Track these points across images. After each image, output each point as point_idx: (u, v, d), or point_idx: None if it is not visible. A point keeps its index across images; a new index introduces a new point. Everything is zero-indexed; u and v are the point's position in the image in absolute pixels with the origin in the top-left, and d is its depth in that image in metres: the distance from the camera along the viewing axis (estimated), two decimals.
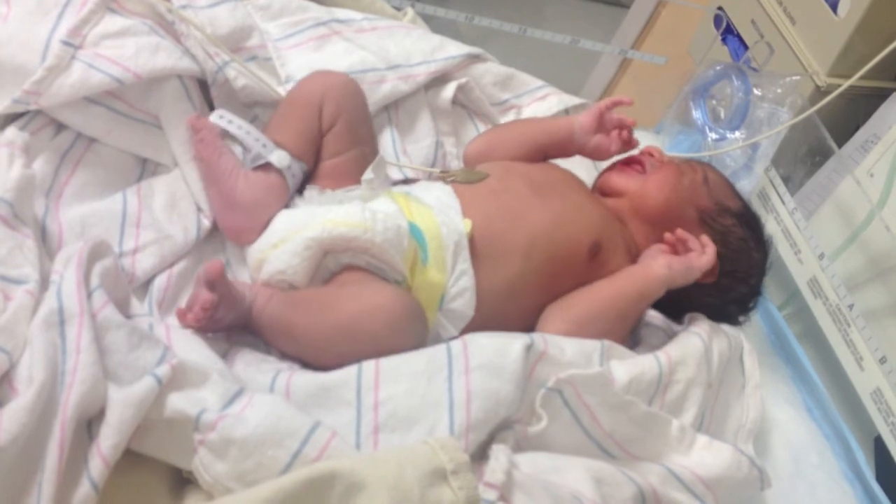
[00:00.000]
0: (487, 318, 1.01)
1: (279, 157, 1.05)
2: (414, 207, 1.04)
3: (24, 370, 0.73)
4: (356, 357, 0.87)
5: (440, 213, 1.04)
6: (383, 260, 0.97)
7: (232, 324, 0.94)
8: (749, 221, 1.18)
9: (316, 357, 0.92)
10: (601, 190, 1.21)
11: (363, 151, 1.11)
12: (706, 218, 1.15)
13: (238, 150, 1.07)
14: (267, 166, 1.05)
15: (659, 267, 1.08)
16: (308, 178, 1.10)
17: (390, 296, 0.93)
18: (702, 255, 1.09)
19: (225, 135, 1.06)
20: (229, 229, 1.05)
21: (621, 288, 1.07)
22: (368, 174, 1.05)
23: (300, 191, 1.09)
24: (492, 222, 1.05)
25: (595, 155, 1.19)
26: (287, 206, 1.06)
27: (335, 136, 1.09)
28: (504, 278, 1.04)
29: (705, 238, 1.11)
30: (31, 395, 0.70)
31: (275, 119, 1.11)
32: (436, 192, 1.08)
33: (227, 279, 0.92)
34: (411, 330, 0.92)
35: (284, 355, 0.95)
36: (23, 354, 0.75)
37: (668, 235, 1.11)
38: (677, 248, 1.11)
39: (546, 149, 1.19)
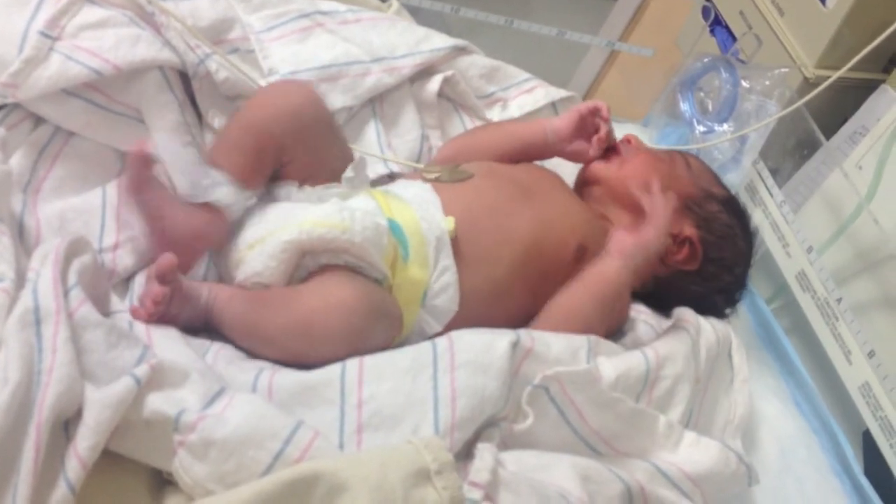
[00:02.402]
0: (473, 320, 0.99)
1: (225, 194, 0.98)
2: (393, 204, 1.03)
3: None
4: (318, 357, 0.87)
5: (419, 208, 1.03)
6: (363, 259, 0.95)
7: (188, 321, 0.92)
8: (734, 209, 1.18)
9: (278, 356, 0.90)
10: (582, 180, 1.20)
11: (332, 167, 1.05)
12: (690, 204, 1.15)
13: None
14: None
15: (612, 260, 1.04)
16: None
17: (351, 293, 0.90)
18: (650, 223, 1.05)
19: (163, 167, 0.98)
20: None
21: (578, 299, 1.03)
22: (349, 172, 1.03)
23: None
24: (476, 221, 1.04)
25: (574, 159, 1.20)
26: (264, 199, 1.03)
27: (297, 166, 1.03)
28: (489, 279, 1.03)
29: (654, 198, 1.07)
30: (6, 396, 0.69)
31: (226, 141, 1.02)
32: (414, 190, 1.07)
33: (179, 275, 0.91)
34: (373, 329, 0.90)
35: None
36: None
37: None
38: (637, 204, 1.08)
39: (516, 154, 1.18)
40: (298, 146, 1.02)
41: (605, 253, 1.06)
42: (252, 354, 0.92)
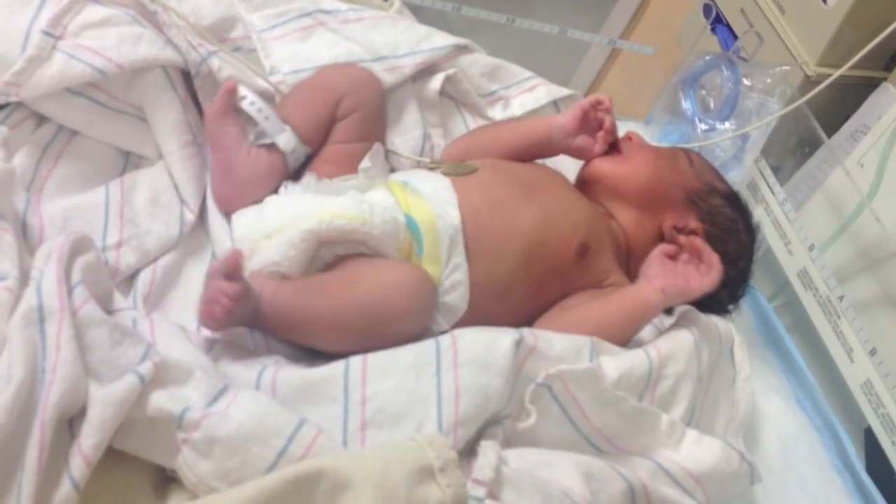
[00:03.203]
0: (475, 316, 1.00)
1: (286, 140, 1.05)
2: (411, 199, 1.03)
3: (3, 368, 0.72)
4: (379, 337, 0.88)
5: (437, 206, 1.03)
6: (378, 252, 0.96)
7: (244, 319, 0.90)
8: (737, 203, 1.19)
9: (336, 342, 0.90)
10: (583, 178, 1.20)
11: (370, 147, 1.10)
12: (694, 198, 1.15)
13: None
14: (271, 145, 1.05)
15: (654, 293, 1.03)
16: (310, 158, 1.10)
17: (410, 270, 0.94)
18: (703, 278, 1.05)
19: (236, 109, 1.05)
20: (219, 196, 1.05)
21: (613, 314, 1.04)
22: (366, 163, 1.04)
23: (296, 176, 1.07)
24: (480, 217, 1.04)
25: (579, 155, 1.20)
26: (280, 190, 1.04)
27: (348, 125, 1.10)
28: (492, 276, 1.03)
29: (715, 259, 1.06)
30: (10, 394, 0.69)
31: (293, 97, 1.11)
32: (433, 184, 1.07)
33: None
34: (431, 304, 0.95)
35: (269, 349, 0.94)
36: (1, 352, 0.73)
37: (665, 247, 1.09)
38: (679, 255, 1.09)
39: (522, 152, 1.18)
40: (356, 107, 1.10)
41: (647, 280, 1.05)
42: (268, 349, 0.92)
